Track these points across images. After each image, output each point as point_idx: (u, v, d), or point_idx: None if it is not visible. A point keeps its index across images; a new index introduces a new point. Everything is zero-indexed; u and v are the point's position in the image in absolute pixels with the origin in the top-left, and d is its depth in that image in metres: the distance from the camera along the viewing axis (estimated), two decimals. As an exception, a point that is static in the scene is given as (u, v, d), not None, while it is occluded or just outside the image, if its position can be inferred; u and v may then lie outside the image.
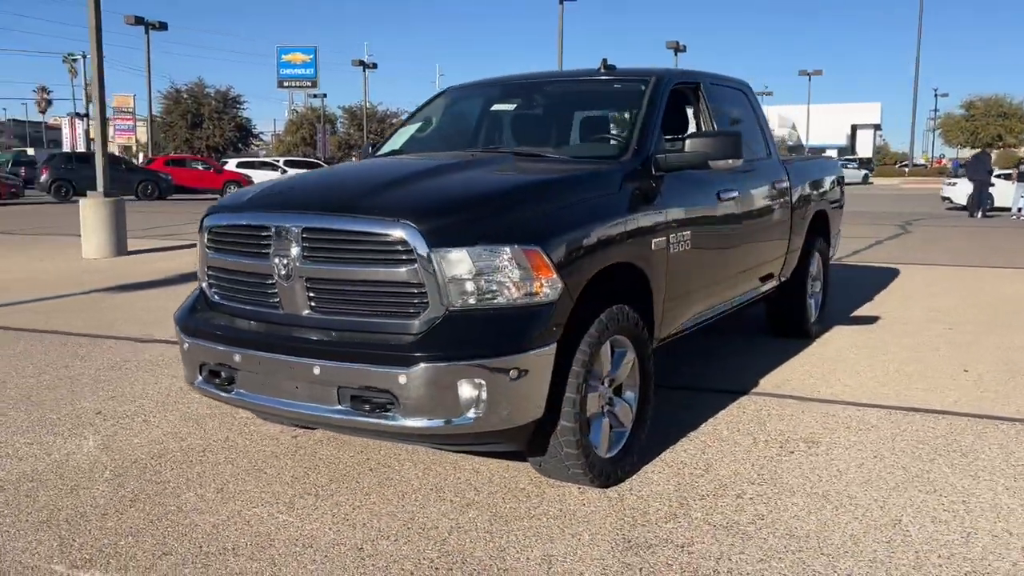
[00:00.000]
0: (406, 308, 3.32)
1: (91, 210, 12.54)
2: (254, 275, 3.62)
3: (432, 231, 3.23)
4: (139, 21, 37.79)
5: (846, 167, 58.82)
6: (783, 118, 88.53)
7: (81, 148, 51.00)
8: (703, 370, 5.90)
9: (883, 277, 10.24)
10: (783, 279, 6.20)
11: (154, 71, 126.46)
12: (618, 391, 3.97)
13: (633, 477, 3.94)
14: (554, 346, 3.38)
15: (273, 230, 3.49)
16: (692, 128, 5.16)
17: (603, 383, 3.80)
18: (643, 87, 4.67)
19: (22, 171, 34.97)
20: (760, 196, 5.50)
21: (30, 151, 63.61)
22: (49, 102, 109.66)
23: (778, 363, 6.00)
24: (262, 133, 73.60)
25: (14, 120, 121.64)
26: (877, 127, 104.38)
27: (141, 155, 57.11)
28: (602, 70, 5.02)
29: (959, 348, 6.48)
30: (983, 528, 3.39)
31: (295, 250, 3.44)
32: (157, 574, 3.06)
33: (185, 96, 54.50)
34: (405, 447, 4.27)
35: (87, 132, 65.92)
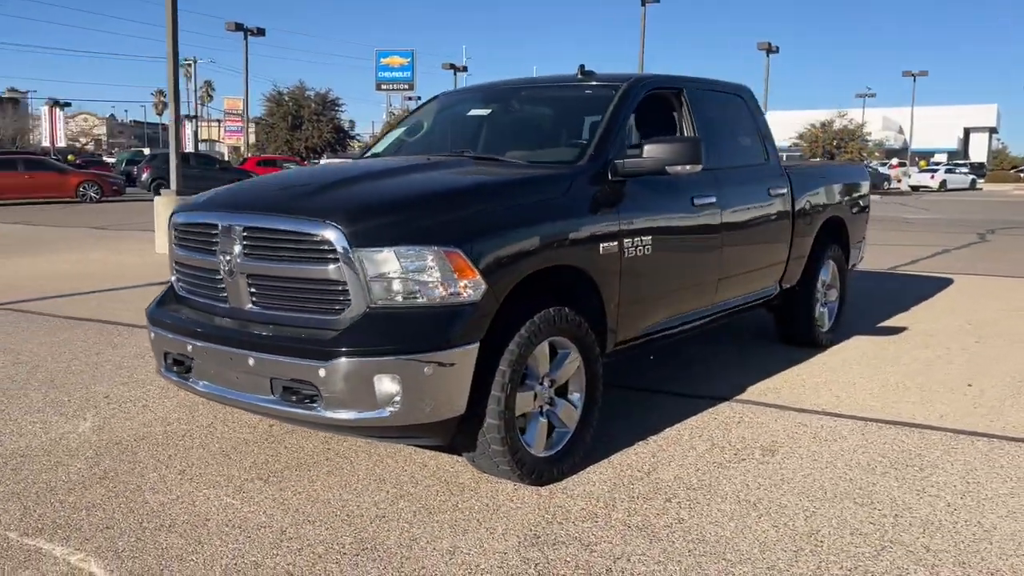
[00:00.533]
0: (333, 305, 3.49)
1: (164, 207, 13.25)
2: (206, 270, 3.87)
3: (355, 232, 3.40)
4: (238, 27, 39.46)
5: (952, 172, 56.42)
6: (888, 120, 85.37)
7: (189, 148, 53.65)
8: (694, 374, 5.88)
9: (932, 287, 9.88)
10: (786, 286, 6.12)
11: (261, 75, 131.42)
12: (563, 392, 4.05)
13: (574, 476, 4.01)
14: (476, 345, 3.50)
15: (220, 228, 3.73)
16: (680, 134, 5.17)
17: (541, 383, 3.89)
18: (612, 93, 4.72)
19: (134, 170, 36.89)
20: (750, 202, 5.46)
21: (145, 151, 67.19)
22: (165, 104, 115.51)
23: (777, 371, 5.93)
24: (358, 135, 75.44)
25: (134, 121, 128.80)
26: (993, 130, 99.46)
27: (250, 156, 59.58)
28: (579, 76, 5.09)
29: (976, 362, 6.25)
30: (902, 542, 3.34)
31: (238, 247, 3.66)
32: (93, 545, 3.32)
33: (287, 99, 56.47)
34: (366, 441, 4.44)
35: (195, 133, 69.26)
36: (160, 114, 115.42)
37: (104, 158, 52.50)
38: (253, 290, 3.69)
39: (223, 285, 3.79)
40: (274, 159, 38.86)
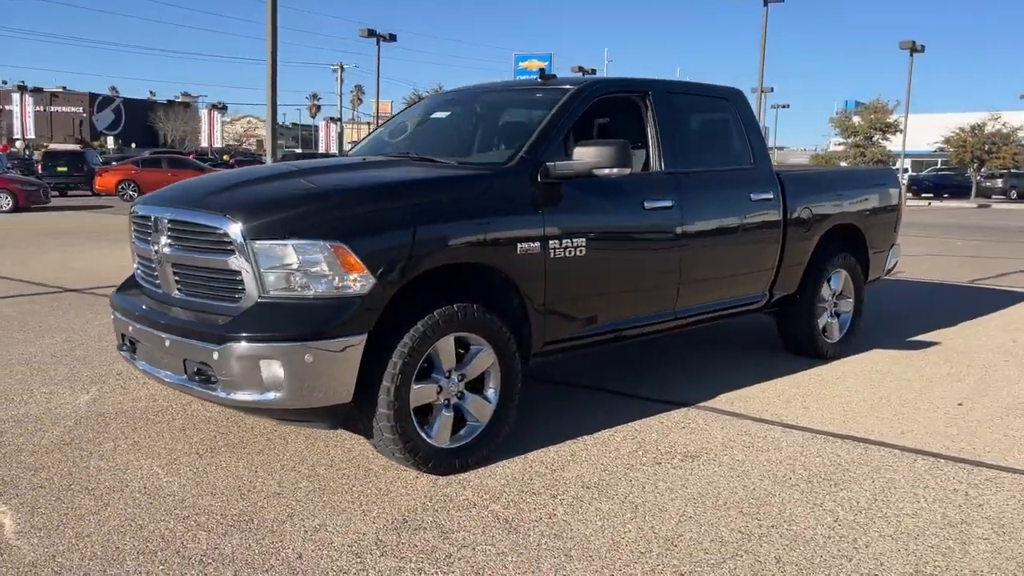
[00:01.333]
0: (233, 293, 3.79)
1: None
2: (147, 259, 4.26)
3: (249, 226, 3.68)
4: (371, 33, 41.11)
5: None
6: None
7: (334, 149, 56.20)
8: (670, 378, 5.83)
9: (1002, 302, 9.26)
10: (780, 294, 5.98)
11: (401, 79, 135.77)
12: (477, 388, 4.18)
13: (483, 468, 4.13)
14: (363, 336, 3.70)
15: (152, 220, 4.10)
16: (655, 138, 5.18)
17: (448, 376, 4.05)
18: (559, 97, 4.80)
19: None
20: (723, 207, 5.39)
21: (297, 150, 70.89)
22: (318, 107, 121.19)
23: (763, 380, 5.81)
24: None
25: (293, 124, 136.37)
26: None
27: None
28: (539, 80, 5.18)
29: (988, 382, 5.89)
30: (756, 552, 3.30)
31: (164, 238, 4.02)
32: (20, 500, 3.74)
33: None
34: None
35: (340, 135, 72.44)
36: (313, 116, 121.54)
37: (263, 157, 55.85)
38: (177, 278, 4.03)
39: (156, 272, 4.16)
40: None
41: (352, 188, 4.16)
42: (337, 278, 3.66)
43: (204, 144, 60.82)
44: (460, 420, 4.15)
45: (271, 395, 3.65)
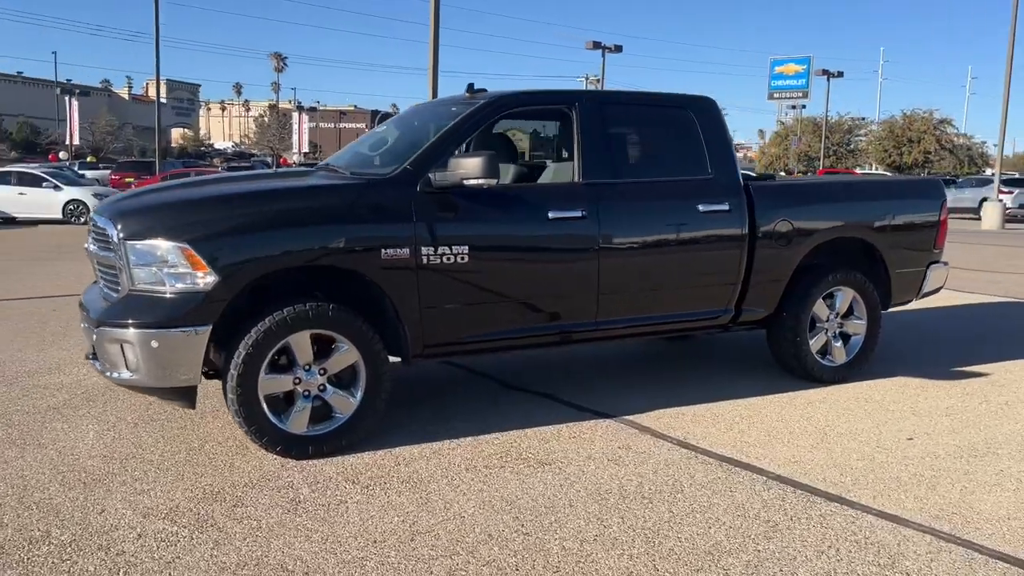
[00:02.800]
0: (116, 287, 4.43)
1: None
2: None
3: (122, 228, 4.29)
4: (596, 46, 41.76)
5: None
6: None
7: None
8: (620, 388, 5.76)
9: None
10: (752, 311, 5.69)
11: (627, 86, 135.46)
12: (345, 384, 4.52)
13: (340, 456, 4.44)
14: (207, 328, 4.18)
15: (91, 224, 4.85)
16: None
17: (308, 369, 4.43)
18: (462, 112, 4.99)
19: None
20: (657, 218, 5.27)
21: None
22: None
23: (720, 399, 5.57)
24: (741, 143, 74.60)
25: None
26: None
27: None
28: (465, 95, 5.37)
29: (984, 420, 5.24)
30: (476, 554, 3.37)
31: (90, 238, 4.76)
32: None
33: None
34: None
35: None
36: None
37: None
38: (99, 273, 4.75)
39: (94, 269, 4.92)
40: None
41: (215, 196, 4.67)
42: (188, 275, 4.17)
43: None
44: (327, 410, 4.51)
45: (133, 375, 4.24)
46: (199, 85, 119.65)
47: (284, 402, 4.44)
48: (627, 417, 5.17)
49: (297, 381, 4.43)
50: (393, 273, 4.55)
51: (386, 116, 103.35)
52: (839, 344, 6.04)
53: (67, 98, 49.67)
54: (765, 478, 4.23)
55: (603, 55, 42.22)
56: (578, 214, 4.99)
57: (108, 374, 4.37)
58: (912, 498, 4.00)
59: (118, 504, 3.86)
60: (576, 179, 5.12)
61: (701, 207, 5.38)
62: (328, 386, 4.50)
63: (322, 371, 4.47)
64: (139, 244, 4.23)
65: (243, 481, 4.13)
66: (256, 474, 4.23)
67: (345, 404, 4.53)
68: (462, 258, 4.67)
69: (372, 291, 4.58)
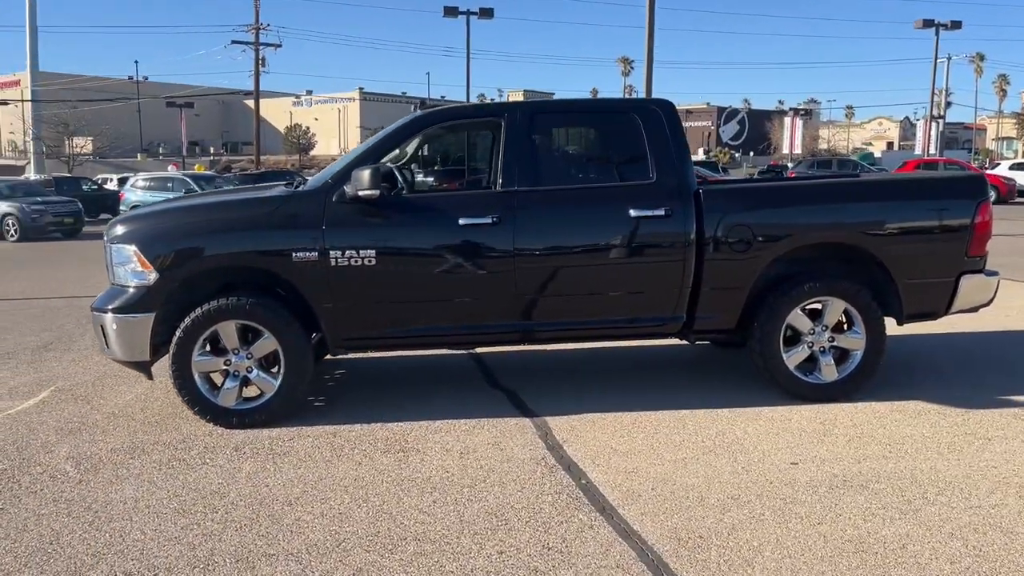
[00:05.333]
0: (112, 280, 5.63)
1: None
2: None
3: (108, 231, 5.47)
4: (927, 24, 37.50)
5: None
6: None
7: (933, 150, 52.23)
8: (588, 388, 5.80)
9: None
10: (710, 319, 5.45)
11: None
12: (268, 369, 5.33)
13: (269, 429, 5.23)
14: (151, 315, 5.22)
15: None
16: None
17: (237, 354, 5.29)
18: (389, 129, 5.48)
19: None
20: (579, 223, 5.32)
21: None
22: (949, 104, 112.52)
23: (671, 408, 5.44)
24: None
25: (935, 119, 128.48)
26: None
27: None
28: (415, 109, 5.80)
29: (891, 452, 4.57)
30: (202, 525, 3.97)
31: None
32: None
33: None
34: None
35: (939, 134, 66.44)
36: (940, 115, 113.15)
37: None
38: None
39: None
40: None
41: (169, 208, 5.64)
42: (141, 272, 5.23)
43: (785, 150, 61.95)
44: (257, 389, 5.34)
45: (109, 350, 5.40)
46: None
47: (222, 380, 5.35)
48: (544, 418, 5.32)
49: (227, 363, 5.30)
50: (305, 274, 5.23)
51: (733, 112, 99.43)
52: (828, 360, 5.51)
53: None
54: (582, 481, 4.25)
55: (936, 32, 38.06)
56: (489, 220, 5.26)
57: (101, 349, 5.59)
58: (663, 516, 3.81)
59: (64, 446, 5.02)
60: (494, 187, 5.37)
61: (633, 212, 5.31)
62: (255, 369, 5.32)
63: (248, 355, 5.29)
64: (115, 247, 5.37)
65: (165, 440, 5.09)
66: (178, 436, 5.16)
67: (267, 386, 5.31)
68: (369, 261, 5.21)
69: (291, 289, 5.31)
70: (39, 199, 23.95)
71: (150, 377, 5.63)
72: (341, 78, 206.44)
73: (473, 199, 5.47)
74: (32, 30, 50.91)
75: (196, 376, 5.27)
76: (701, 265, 5.37)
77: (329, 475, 4.47)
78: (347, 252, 5.21)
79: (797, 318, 5.48)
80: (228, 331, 5.26)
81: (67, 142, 52.36)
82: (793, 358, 5.51)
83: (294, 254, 5.21)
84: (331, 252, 5.20)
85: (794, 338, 5.55)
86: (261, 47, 48.93)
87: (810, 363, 5.57)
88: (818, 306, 5.56)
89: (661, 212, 5.32)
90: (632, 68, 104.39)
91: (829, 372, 5.52)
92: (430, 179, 6.20)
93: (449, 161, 6.20)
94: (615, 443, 4.84)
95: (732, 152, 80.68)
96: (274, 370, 5.33)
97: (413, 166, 6.55)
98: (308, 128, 77.27)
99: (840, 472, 4.34)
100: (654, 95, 18.76)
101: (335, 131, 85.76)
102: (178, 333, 5.20)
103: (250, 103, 54.26)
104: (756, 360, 5.55)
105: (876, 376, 5.59)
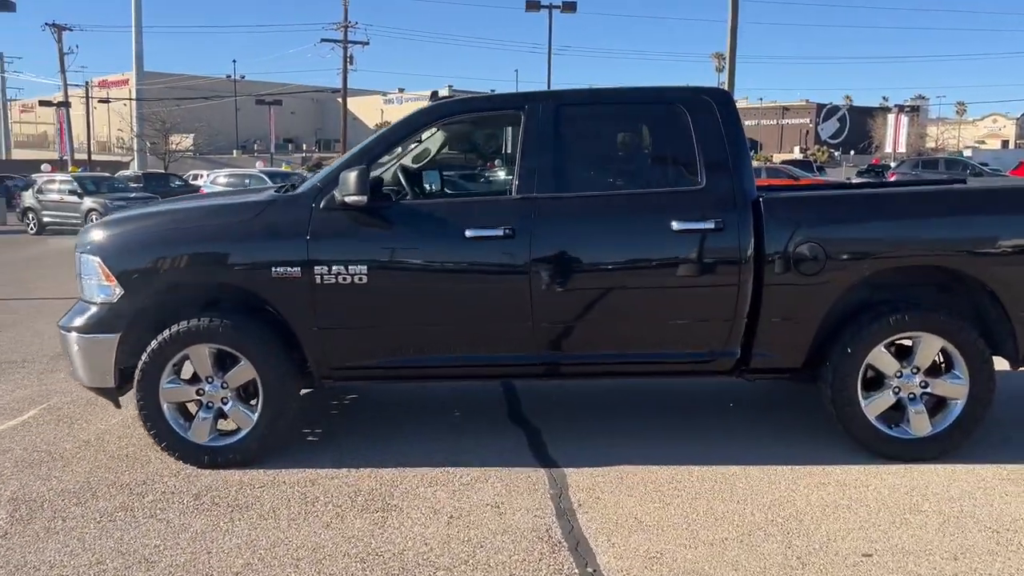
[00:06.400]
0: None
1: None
2: None
3: (79, 238, 4.82)
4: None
5: None
6: None
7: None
8: (616, 432, 4.87)
9: None
10: (768, 356, 4.47)
11: None
12: (247, 400, 4.61)
13: (246, 469, 4.52)
14: (115, 336, 4.55)
15: None
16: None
17: (211, 382, 4.59)
18: (390, 125, 4.67)
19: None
20: (607, 236, 4.40)
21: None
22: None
23: (715, 463, 4.48)
24: None
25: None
26: None
27: None
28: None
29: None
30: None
31: None
32: None
33: None
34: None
35: None
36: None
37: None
38: None
39: None
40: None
41: (142, 214, 4.93)
42: (107, 287, 4.58)
43: (888, 149, 58.60)
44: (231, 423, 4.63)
45: (78, 376, 4.76)
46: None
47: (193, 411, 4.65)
48: (564, 469, 4.45)
49: (200, 392, 4.60)
50: (286, 292, 4.48)
51: (834, 109, 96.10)
52: (918, 409, 4.45)
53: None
54: (589, 569, 3.37)
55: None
56: (500, 232, 4.40)
57: (71, 374, 4.96)
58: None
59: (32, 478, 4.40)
60: (511, 192, 4.52)
61: (677, 224, 4.36)
62: (231, 400, 4.60)
63: (224, 384, 4.58)
64: (82, 257, 4.73)
65: (124, 481, 4.42)
66: (140, 475, 4.49)
67: (244, 420, 4.58)
68: (360, 279, 4.42)
69: (274, 309, 4.56)
70: (123, 195, 24.25)
71: (118, 406, 4.98)
72: (431, 76, 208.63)
73: (483, 207, 4.64)
74: (137, 32, 52.63)
75: (164, 406, 4.58)
76: (760, 290, 4.39)
77: (287, 540, 3.70)
78: (335, 268, 4.43)
79: (880, 357, 4.43)
80: (200, 356, 4.55)
81: (165, 139, 53.80)
82: (874, 406, 4.47)
83: (273, 269, 4.46)
84: (316, 267, 4.44)
85: (876, 381, 4.51)
86: (349, 45, 49.13)
87: (896, 412, 4.52)
88: (907, 343, 4.52)
89: (711, 225, 4.36)
90: (725, 64, 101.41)
91: (920, 425, 4.46)
92: (436, 182, 5.39)
93: (459, 161, 5.36)
94: (641, 511, 3.92)
95: (831, 151, 77.51)
96: (253, 402, 4.60)
97: (418, 166, 5.76)
98: (398, 125, 77.41)
99: (928, 573, 3.32)
100: (738, 90, 17.48)
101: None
102: (144, 358, 4.52)
103: (341, 100, 54.75)
104: (828, 406, 4.53)
105: (979, 431, 4.51)
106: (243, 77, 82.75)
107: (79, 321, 4.63)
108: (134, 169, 45.76)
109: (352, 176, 4.26)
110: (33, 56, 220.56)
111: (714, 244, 4.38)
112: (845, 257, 4.36)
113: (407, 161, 5.85)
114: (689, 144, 4.49)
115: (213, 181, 27.38)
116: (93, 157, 56.41)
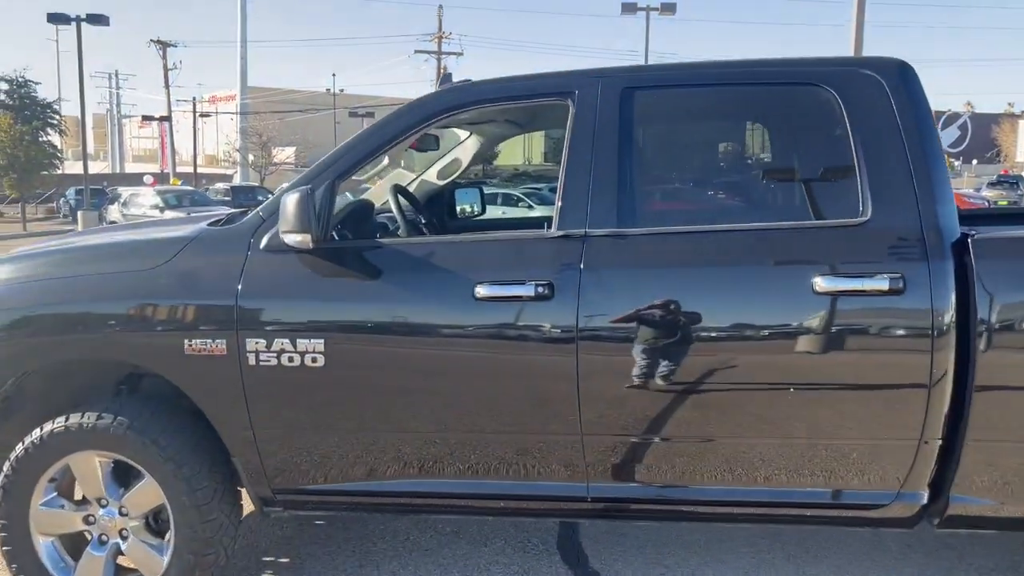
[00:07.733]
0: None
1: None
2: None
3: None
4: None
5: None
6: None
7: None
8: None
9: None
10: (963, 500, 2.67)
11: None
12: (157, 532, 3.10)
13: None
14: (-29, 433, 3.12)
15: None
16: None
17: (104, 505, 3.10)
18: (378, 122, 3.06)
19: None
20: (711, 303, 2.67)
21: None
22: None
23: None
24: None
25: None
26: None
27: None
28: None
29: None
30: None
31: None
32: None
33: None
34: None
35: None
36: None
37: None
38: None
39: None
40: None
41: (34, 253, 3.41)
42: (-37, 359, 3.15)
43: (1019, 158, 53.61)
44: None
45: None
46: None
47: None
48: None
49: (90, 520, 3.10)
50: (205, 376, 2.94)
51: (954, 116, 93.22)
52: None
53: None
54: None
55: None
56: (531, 291, 2.73)
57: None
58: None
59: None
60: (548, 227, 2.85)
61: (823, 281, 2.60)
62: (131, 533, 3.08)
63: (121, 510, 3.07)
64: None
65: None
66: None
67: (147, 561, 3.07)
68: (314, 359, 2.84)
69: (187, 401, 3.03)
70: (204, 209, 23.74)
71: None
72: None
73: (503, 250, 2.98)
74: (243, 47, 53.58)
75: (38, 540, 3.10)
76: (967, 387, 2.59)
77: None
78: (277, 340, 2.86)
79: None
80: (87, 468, 3.06)
81: (266, 152, 54.23)
82: None
83: (186, 343, 2.92)
84: (249, 339, 2.87)
85: None
86: (443, 56, 48.37)
87: None
88: None
89: (883, 283, 2.58)
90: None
91: None
92: (435, 212, 3.81)
93: (473, 177, 3.75)
94: None
95: (952, 160, 72.87)
96: (167, 536, 3.07)
97: (411, 187, 4.18)
98: (492, 138, 76.77)
99: None
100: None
101: (519, 141, 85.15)
102: (5, 469, 3.06)
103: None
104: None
105: None
106: (342, 91, 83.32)
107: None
108: (236, 181, 46.06)
109: (291, 204, 2.69)
110: (145, 75, 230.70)
111: (887, 314, 2.60)
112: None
113: (431, 176, 4.31)
114: (844, 149, 2.71)
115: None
116: (200, 170, 57.43)
